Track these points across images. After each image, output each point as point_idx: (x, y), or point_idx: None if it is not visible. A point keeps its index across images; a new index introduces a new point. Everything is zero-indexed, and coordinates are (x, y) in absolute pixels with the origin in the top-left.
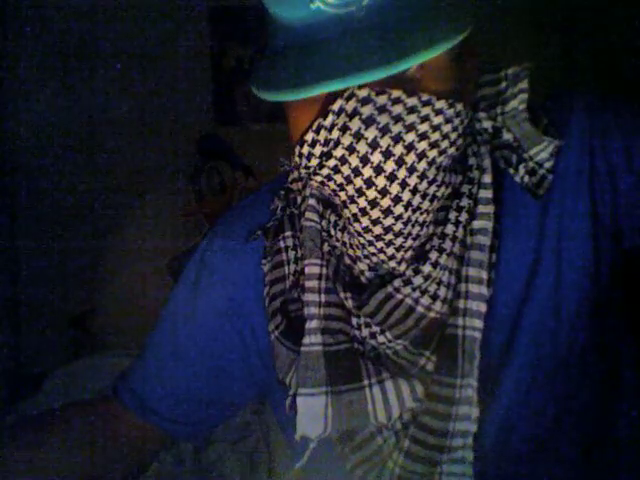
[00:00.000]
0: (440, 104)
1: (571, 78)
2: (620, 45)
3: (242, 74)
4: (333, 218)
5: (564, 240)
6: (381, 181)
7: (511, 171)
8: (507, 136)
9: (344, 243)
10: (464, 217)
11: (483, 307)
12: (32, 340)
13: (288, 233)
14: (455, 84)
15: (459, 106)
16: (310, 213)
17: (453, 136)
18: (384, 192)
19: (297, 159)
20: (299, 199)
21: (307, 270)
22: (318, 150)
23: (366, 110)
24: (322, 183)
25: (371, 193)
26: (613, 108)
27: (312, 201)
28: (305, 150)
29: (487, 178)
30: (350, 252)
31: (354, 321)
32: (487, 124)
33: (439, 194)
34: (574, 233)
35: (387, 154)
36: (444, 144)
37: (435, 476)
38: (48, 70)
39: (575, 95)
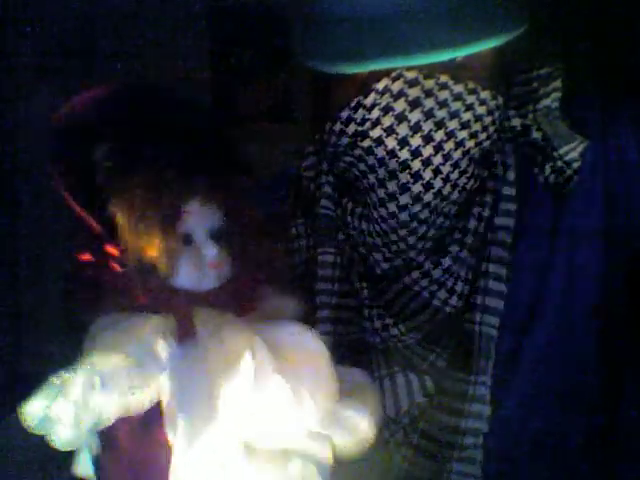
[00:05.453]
0: (485, 94)
1: (572, 78)
2: (620, 45)
3: (242, 74)
4: (350, 206)
5: (577, 238)
6: (416, 165)
7: (535, 170)
8: (536, 135)
9: (362, 231)
10: (487, 213)
11: (501, 304)
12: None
13: (300, 220)
14: (494, 77)
15: (500, 99)
16: (325, 200)
17: (491, 129)
18: (417, 177)
19: (326, 136)
20: (312, 186)
21: (321, 258)
22: (352, 129)
23: (413, 92)
24: (351, 164)
25: (404, 177)
26: (625, 106)
27: (327, 188)
28: (337, 127)
29: (511, 175)
30: (369, 240)
31: (366, 312)
32: (516, 122)
33: (467, 186)
34: (587, 231)
35: (427, 139)
36: (482, 136)
37: (444, 474)
38: (48, 70)
39: (587, 94)
